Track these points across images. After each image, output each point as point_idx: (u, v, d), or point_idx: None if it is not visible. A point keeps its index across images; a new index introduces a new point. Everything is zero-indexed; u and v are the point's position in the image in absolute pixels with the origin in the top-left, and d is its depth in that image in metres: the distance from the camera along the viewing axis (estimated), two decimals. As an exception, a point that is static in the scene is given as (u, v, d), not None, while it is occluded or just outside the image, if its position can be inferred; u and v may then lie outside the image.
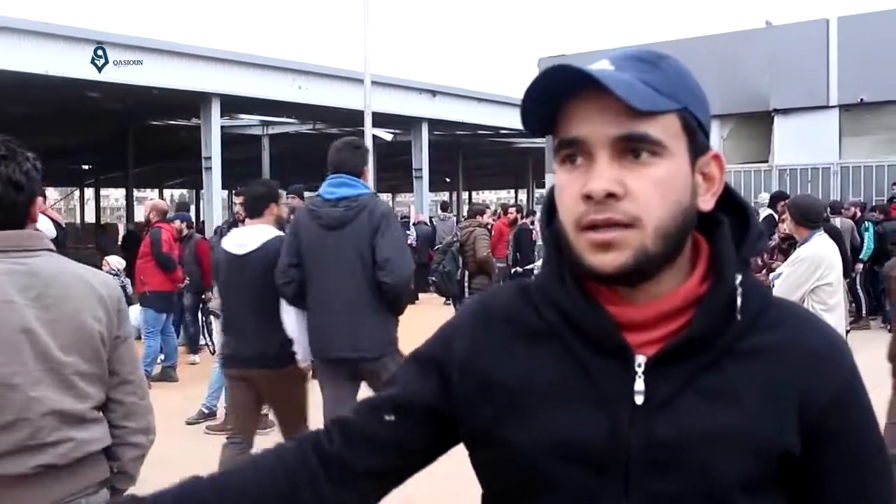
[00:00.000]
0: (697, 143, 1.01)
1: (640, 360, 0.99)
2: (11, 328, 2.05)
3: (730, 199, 1.08)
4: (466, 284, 9.28)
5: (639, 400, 0.99)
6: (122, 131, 21.79)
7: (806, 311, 1.13)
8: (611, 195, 0.95)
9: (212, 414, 7.01)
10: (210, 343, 8.84)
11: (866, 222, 11.88)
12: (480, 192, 48.39)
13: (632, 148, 0.96)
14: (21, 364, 2.06)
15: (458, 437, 1.12)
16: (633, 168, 0.96)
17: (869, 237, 11.71)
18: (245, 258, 4.44)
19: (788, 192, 11.92)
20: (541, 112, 1.00)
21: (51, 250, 2.18)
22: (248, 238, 4.51)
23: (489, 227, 9.26)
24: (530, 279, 1.14)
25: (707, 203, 1.04)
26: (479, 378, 1.07)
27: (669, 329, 1.00)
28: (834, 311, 4.65)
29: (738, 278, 1.01)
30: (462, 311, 1.17)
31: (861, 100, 14.93)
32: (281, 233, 4.59)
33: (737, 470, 0.97)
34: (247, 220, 4.75)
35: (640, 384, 0.99)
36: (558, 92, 0.98)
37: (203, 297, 8.64)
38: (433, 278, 9.77)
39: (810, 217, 4.81)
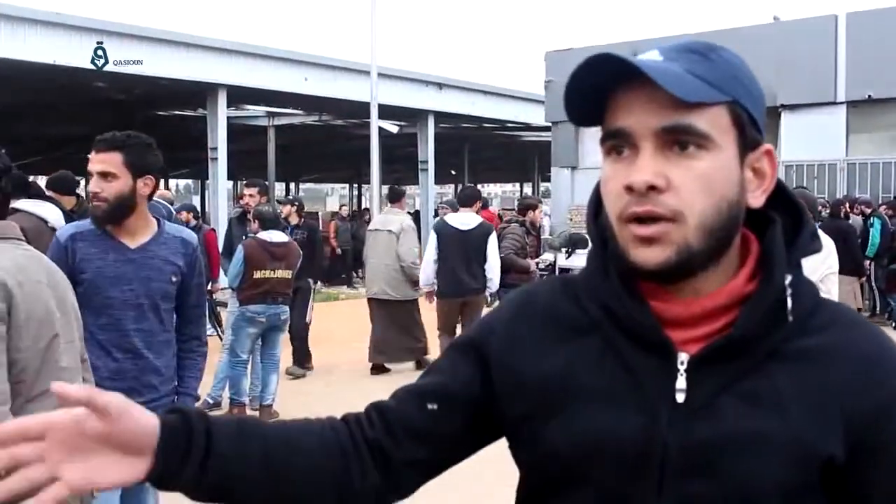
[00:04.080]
0: (747, 137, 0.99)
1: (683, 357, 0.97)
2: (44, 306, 2.20)
3: (784, 198, 1.04)
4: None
5: (680, 398, 0.96)
6: (128, 121, 21.73)
7: (856, 314, 1.08)
8: (652, 188, 0.93)
9: (216, 405, 7.00)
10: (218, 332, 8.69)
11: (872, 218, 11.78)
12: (486, 185, 48.33)
13: (678, 140, 0.94)
14: (59, 337, 2.22)
15: (500, 430, 1.11)
16: (678, 161, 0.94)
17: (875, 232, 11.57)
18: (466, 233, 7.89)
19: (794, 189, 11.86)
20: (587, 103, 0.99)
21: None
22: (468, 220, 8.01)
23: (528, 223, 8.67)
24: (574, 273, 1.12)
25: (757, 199, 1.01)
26: (515, 371, 1.05)
27: (713, 327, 0.98)
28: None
29: (788, 279, 0.98)
30: (504, 303, 1.15)
31: (869, 96, 14.83)
32: (482, 218, 8.17)
33: (776, 477, 0.93)
34: (460, 209, 8.20)
35: (682, 382, 0.96)
36: (606, 82, 0.96)
37: (210, 287, 8.55)
38: None
39: (816, 209, 4.92)
